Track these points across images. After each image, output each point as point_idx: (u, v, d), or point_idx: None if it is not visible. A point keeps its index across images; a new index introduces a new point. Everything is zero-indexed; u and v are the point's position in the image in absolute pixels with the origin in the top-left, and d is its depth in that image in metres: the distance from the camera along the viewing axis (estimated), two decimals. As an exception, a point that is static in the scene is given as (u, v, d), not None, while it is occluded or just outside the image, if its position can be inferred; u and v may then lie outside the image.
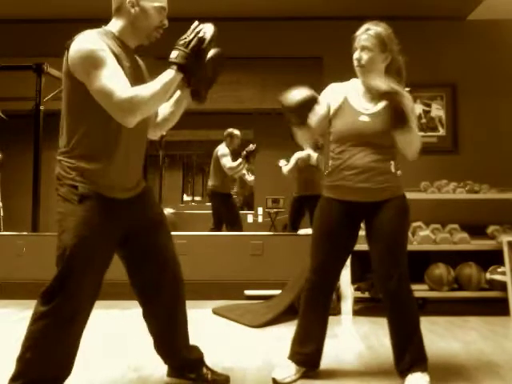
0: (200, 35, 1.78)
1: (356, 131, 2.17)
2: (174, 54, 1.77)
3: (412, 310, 2.17)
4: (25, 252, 4.13)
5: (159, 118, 2.04)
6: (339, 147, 2.21)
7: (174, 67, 1.75)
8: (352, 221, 2.22)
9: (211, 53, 1.88)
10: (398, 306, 2.15)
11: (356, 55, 2.18)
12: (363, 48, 2.15)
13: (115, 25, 1.85)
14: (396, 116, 2.04)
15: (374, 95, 2.11)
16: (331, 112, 2.24)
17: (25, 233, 4.34)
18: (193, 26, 1.81)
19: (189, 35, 1.78)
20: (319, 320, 2.26)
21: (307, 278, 2.25)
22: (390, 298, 2.15)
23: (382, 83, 2.05)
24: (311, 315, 2.25)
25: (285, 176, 5.35)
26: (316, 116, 2.21)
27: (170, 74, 1.75)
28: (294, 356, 2.25)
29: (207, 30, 1.80)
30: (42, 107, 4.31)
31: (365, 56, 2.15)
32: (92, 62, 1.66)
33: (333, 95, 2.26)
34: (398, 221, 2.17)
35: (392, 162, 2.18)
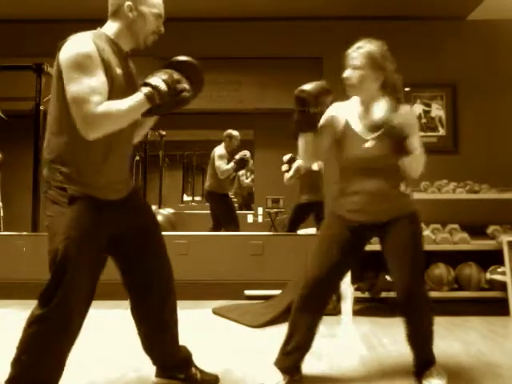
0: (179, 87, 1.75)
1: (361, 158, 2.14)
2: (147, 88, 1.72)
3: (429, 318, 2.21)
4: (25, 252, 4.13)
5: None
6: (346, 173, 2.21)
7: (149, 95, 1.71)
8: (358, 239, 2.22)
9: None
10: (417, 315, 2.18)
11: (346, 74, 2.15)
12: (353, 67, 2.12)
13: (111, 27, 1.84)
14: (396, 147, 2.01)
15: (372, 127, 2.10)
16: (336, 135, 2.21)
17: (25, 233, 4.34)
18: (168, 74, 1.76)
19: (169, 80, 1.74)
20: (309, 328, 2.22)
21: (303, 285, 2.20)
22: (408, 313, 2.17)
23: (379, 114, 2.02)
24: (301, 323, 2.21)
25: (287, 182, 5.36)
26: (321, 133, 2.20)
27: (139, 100, 1.71)
28: (280, 363, 2.21)
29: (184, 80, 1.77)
30: (42, 107, 4.32)
31: (355, 75, 2.11)
32: (76, 66, 1.66)
33: (334, 118, 2.22)
34: (411, 238, 2.16)
35: (401, 184, 2.17)
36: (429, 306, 2.21)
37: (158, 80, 1.73)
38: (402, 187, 2.19)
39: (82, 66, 1.66)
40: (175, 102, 1.78)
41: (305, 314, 2.20)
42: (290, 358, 2.21)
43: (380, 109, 2.03)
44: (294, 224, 5.33)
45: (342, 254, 2.18)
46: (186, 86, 1.77)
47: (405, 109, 2.16)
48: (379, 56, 2.11)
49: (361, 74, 2.11)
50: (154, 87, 1.72)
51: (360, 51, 2.11)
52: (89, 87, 1.65)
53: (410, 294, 2.13)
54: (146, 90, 1.72)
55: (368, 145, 2.14)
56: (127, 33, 1.84)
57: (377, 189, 2.14)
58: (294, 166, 5.30)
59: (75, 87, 1.66)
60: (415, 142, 2.04)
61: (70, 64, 1.67)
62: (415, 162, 2.09)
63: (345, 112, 2.22)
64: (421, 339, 2.22)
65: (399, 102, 2.16)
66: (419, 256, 2.19)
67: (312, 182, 5.19)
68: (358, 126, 2.18)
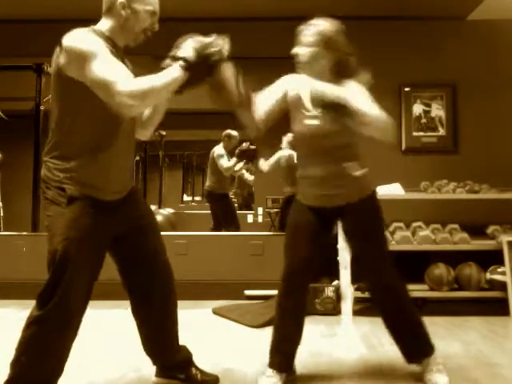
0: (218, 50, 1.74)
1: (309, 136, 2.11)
2: (187, 52, 1.71)
3: (407, 299, 2.19)
4: (25, 252, 4.13)
5: (143, 117, 1.98)
6: (300, 152, 2.21)
7: (183, 65, 1.70)
8: (323, 222, 2.18)
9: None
10: (394, 303, 2.18)
11: (297, 50, 2.11)
12: (306, 44, 2.08)
13: (105, 25, 1.83)
14: (344, 121, 1.97)
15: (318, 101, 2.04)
16: (290, 106, 2.16)
17: (25, 233, 4.34)
18: (214, 39, 1.76)
19: (209, 44, 1.74)
20: (294, 324, 2.19)
21: (282, 278, 2.18)
22: (384, 297, 2.19)
23: (328, 91, 1.97)
24: (286, 318, 2.18)
25: (267, 172, 5.28)
26: (266, 99, 2.13)
27: (176, 71, 1.70)
28: (275, 364, 2.17)
29: (225, 47, 1.77)
30: (42, 107, 4.32)
31: (306, 52, 2.07)
32: (88, 56, 1.64)
33: (289, 88, 2.17)
34: (369, 222, 2.15)
35: (350, 164, 2.11)
36: (405, 292, 2.20)
37: (187, 48, 1.72)
38: (352, 169, 2.11)
39: (95, 54, 1.64)
40: (207, 68, 1.75)
41: (286, 309, 2.18)
42: (280, 355, 2.18)
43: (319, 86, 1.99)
44: (285, 219, 5.31)
45: (310, 242, 2.16)
46: (215, 48, 1.74)
47: (351, 83, 2.09)
48: (332, 35, 2.07)
49: (312, 52, 2.07)
50: (184, 56, 1.71)
51: (314, 28, 2.08)
52: (110, 69, 1.64)
53: (383, 284, 2.15)
54: (178, 61, 1.71)
55: (315, 122, 2.09)
56: (120, 30, 1.83)
57: (328, 172, 2.11)
58: (274, 157, 5.23)
59: (96, 74, 1.63)
60: (365, 109, 1.96)
61: (81, 56, 1.64)
62: (375, 125, 1.97)
63: (297, 86, 2.17)
64: (406, 336, 2.19)
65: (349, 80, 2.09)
66: (382, 242, 2.18)
67: (294, 175, 5.16)
68: (307, 103, 2.13)
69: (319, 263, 2.29)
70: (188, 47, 1.73)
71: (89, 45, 1.66)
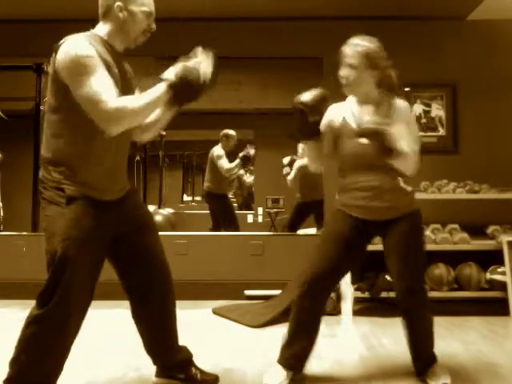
0: (202, 70, 1.80)
1: (357, 155, 2.15)
2: (171, 73, 1.77)
3: (429, 318, 2.24)
4: (25, 252, 4.13)
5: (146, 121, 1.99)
6: (345, 168, 2.23)
7: (167, 85, 1.76)
8: (362, 235, 2.21)
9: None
10: (417, 316, 2.21)
11: (342, 73, 2.16)
12: (349, 66, 2.12)
13: (103, 29, 1.84)
14: (381, 150, 2.02)
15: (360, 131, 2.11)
16: (335, 134, 2.23)
17: (25, 233, 4.34)
18: (198, 57, 1.82)
19: (193, 64, 1.79)
20: (310, 325, 2.21)
21: (303, 280, 2.19)
22: (408, 311, 2.21)
23: (368, 122, 2.06)
24: (303, 320, 2.20)
25: (291, 184, 5.34)
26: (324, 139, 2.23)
27: (160, 90, 1.75)
28: (283, 360, 2.19)
29: (209, 66, 1.82)
30: (42, 107, 4.32)
31: (351, 74, 2.12)
32: (81, 68, 1.66)
33: (333, 117, 2.23)
34: (412, 236, 2.18)
35: (399, 179, 2.17)
36: (429, 306, 2.22)
37: (176, 70, 1.77)
38: (401, 183, 2.17)
39: (85, 66, 1.66)
40: (194, 91, 1.81)
41: (306, 311, 2.19)
42: (291, 352, 2.20)
43: (369, 114, 2.07)
44: (294, 224, 5.32)
45: (343, 250, 2.17)
46: (204, 72, 1.80)
47: (402, 105, 2.17)
48: (375, 55, 2.11)
49: (357, 74, 2.11)
50: (172, 78, 1.75)
51: (356, 49, 2.11)
52: (98, 86, 1.66)
53: (410, 294, 2.15)
54: (164, 81, 1.76)
55: (364, 141, 2.11)
56: (119, 33, 1.84)
57: (375, 185, 2.14)
58: (295, 166, 5.28)
59: (85, 89, 1.66)
60: (404, 144, 2.03)
61: (74, 67, 1.67)
62: (403, 163, 2.07)
63: (341, 110, 2.23)
64: (422, 339, 2.22)
65: (396, 98, 2.17)
66: (419, 256, 2.19)
67: (312, 181, 5.18)
68: (355, 123, 2.17)
69: (348, 272, 2.31)
70: (173, 70, 1.78)
71: (84, 57, 1.67)
